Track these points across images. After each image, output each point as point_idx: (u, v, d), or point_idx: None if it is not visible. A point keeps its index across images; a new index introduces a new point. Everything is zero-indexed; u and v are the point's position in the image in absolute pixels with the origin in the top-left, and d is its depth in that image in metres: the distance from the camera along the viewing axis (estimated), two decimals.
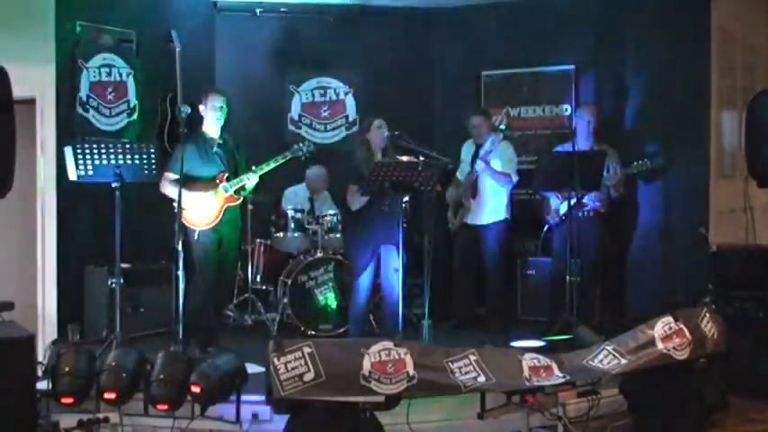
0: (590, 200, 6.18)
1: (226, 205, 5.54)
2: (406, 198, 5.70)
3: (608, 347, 4.37)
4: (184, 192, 5.33)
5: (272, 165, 5.65)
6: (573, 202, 5.89)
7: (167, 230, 5.49)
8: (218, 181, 5.53)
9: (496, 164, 6.32)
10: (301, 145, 5.83)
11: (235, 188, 5.54)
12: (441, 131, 7.26)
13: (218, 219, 5.52)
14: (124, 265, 5.57)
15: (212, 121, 5.58)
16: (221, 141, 5.62)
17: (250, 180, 5.57)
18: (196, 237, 5.46)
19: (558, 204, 6.22)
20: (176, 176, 5.31)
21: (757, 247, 5.81)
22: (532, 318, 6.74)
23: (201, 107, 5.58)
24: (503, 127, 6.28)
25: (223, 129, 5.63)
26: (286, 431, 4.01)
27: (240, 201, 5.65)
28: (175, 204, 5.23)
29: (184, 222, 5.38)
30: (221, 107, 5.54)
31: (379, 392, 3.82)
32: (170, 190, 5.43)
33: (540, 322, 6.42)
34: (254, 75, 7.67)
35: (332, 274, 6.42)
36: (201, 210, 5.49)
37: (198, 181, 5.49)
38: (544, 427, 4.56)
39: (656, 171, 6.36)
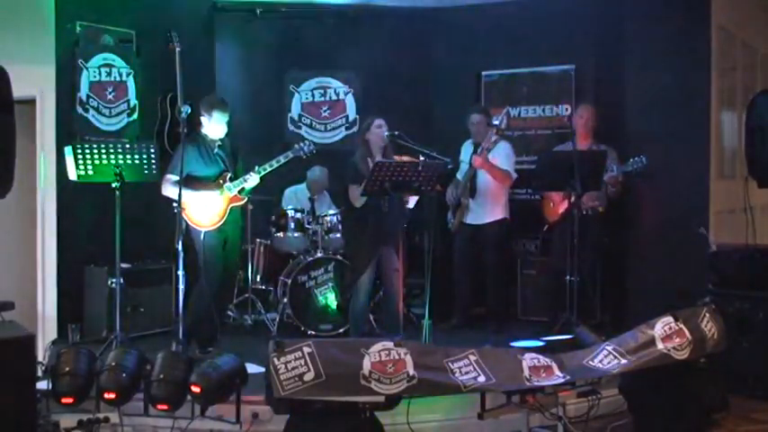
0: (590, 199, 6.18)
1: (231, 205, 5.56)
2: (414, 199, 5.70)
3: (608, 347, 4.38)
4: (190, 192, 5.36)
5: (275, 165, 5.63)
6: (573, 201, 5.89)
7: (167, 230, 5.50)
8: (221, 181, 5.54)
9: (494, 162, 6.31)
10: (302, 145, 5.79)
11: (238, 188, 5.55)
12: (441, 132, 7.24)
13: (224, 219, 5.52)
14: (124, 265, 5.57)
15: (216, 130, 5.58)
16: (221, 143, 5.63)
17: (252, 180, 5.57)
18: (202, 238, 5.45)
19: (560, 203, 6.21)
20: (178, 178, 5.31)
21: (757, 247, 5.81)
22: (532, 318, 6.74)
23: (204, 118, 5.56)
24: (496, 122, 6.28)
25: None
26: (286, 431, 4.02)
27: (244, 201, 5.66)
28: (175, 204, 5.23)
29: (189, 223, 5.41)
30: (227, 121, 5.57)
31: (379, 392, 3.83)
32: (172, 191, 5.40)
33: (540, 322, 6.43)
34: (254, 75, 7.68)
35: (332, 274, 6.41)
36: (207, 210, 5.49)
37: (202, 181, 5.49)
38: (544, 427, 4.56)
39: (653, 168, 6.34)
